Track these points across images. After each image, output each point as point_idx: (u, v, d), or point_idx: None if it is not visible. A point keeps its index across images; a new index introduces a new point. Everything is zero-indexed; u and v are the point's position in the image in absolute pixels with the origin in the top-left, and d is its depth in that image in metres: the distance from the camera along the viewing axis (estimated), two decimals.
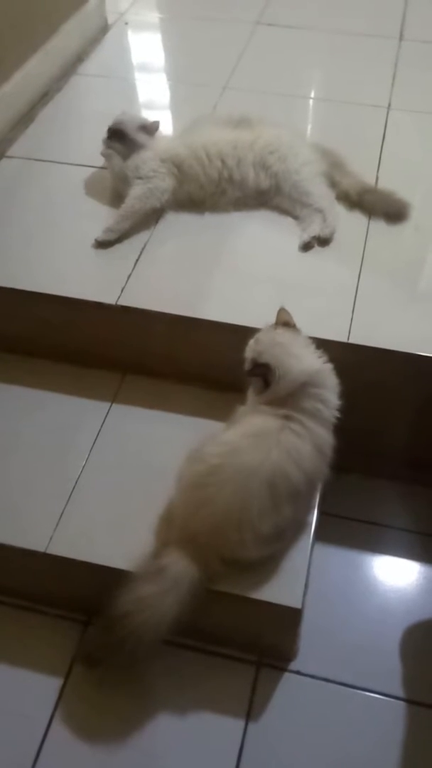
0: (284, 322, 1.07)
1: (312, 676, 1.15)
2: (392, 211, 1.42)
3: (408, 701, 1.12)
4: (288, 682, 1.14)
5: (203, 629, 1.10)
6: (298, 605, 1.03)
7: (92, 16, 2.07)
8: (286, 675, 1.15)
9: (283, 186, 1.41)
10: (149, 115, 1.48)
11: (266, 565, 1.06)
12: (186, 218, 1.44)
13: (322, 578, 1.22)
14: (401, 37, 2.04)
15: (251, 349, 1.04)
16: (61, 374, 1.35)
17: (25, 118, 1.75)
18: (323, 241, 1.37)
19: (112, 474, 1.20)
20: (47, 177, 1.56)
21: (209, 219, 1.43)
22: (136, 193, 1.38)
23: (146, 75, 1.96)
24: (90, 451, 1.23)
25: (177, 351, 1.31)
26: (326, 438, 1.02)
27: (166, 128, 1.57)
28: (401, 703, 1.12)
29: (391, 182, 1.48)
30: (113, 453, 1.23)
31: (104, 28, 2.14)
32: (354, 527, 1.34)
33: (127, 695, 1.11)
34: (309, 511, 1.12)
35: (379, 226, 1.42)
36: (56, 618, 1.19)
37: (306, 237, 1.36)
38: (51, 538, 1.11)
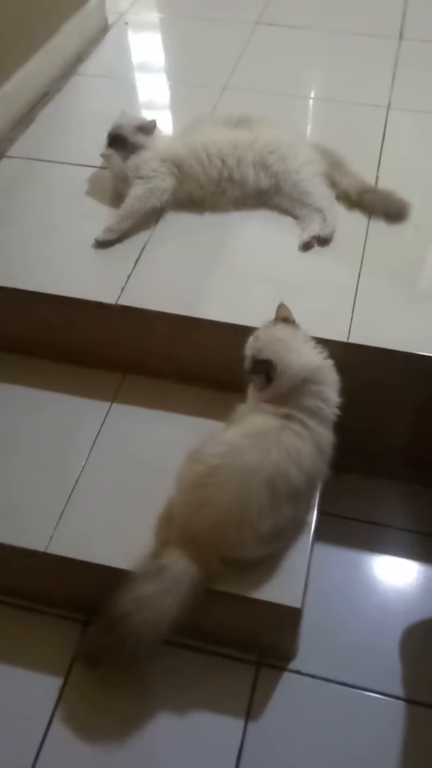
0: (284, 317, 1.06)
1: (312, 676, 1.15)
2: (392, 211, 1.42)
3: (408, 701, 1.12)
4: (288, 681, 1.14)
5: (203, 629, 1.10)
6: (298, 605, 1.03)
7: (92, 16, 2.07)
8: (286, 675, 1.15)
9: (283, 186, 1.41)
10: (149, 115, 1.48)
11: (266, 564, 1.06)
12: (186, 218, 1.44)
13: (322, 578, 1.22)
14: (401, 37, 2.04)
15: (251, 347, 1.04)
16: (61, 374, 1.35)
17: (26, 118, 1.75)
18: (323, 241, 1.37)
19: (112, 474, 1.20)
20: (47, 177, 1.56)
21: (209, 219, 1.43)
22: (136, 192, 1.38)
23: (146, 75, 1.96)
24: (90, 450, 1.23)
25: (177, 351, 1.31)
26: (327, 437, 1.02)
27: (167, 128, 1.57)
28: (401, 702, 1.12)
29: (391, 182, 1.48)
30: (113, 453, 1.23)
31: (104, 28, 2.14)
32: (354, 527, 1.34)
33: (127, 695, 1.11)
34: (309, 510, 1.12)
35: (378, 226, 1.42)
36: (56, 618, 1.19)
37: (306, 237, 1.36)
38: (51, 538, 1.11)
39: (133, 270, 1.33)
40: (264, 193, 1.43)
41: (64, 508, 1.15)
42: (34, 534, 1.11)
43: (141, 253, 1.36)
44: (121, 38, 2.13)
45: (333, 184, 1.45)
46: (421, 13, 2.15)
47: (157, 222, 1.43)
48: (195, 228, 1.42)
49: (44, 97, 1.83)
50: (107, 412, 1.29)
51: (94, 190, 1.51)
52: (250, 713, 1.10)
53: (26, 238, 1.41)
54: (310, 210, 1.40)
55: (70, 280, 1.31)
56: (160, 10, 2.30)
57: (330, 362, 1.04)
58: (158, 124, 1.44)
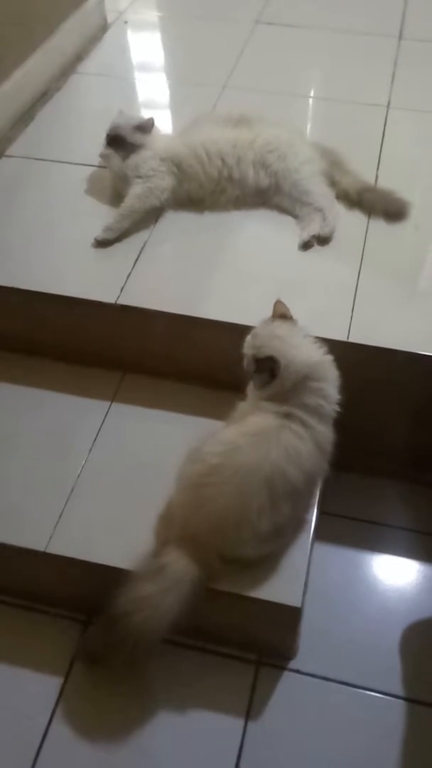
0: (281, 314, 1.06)
1: (312, 675, 1.15)
2: (392, 210, 1.42)
3: (408, 700, 1.12)
4: (288, 680, 1.14)
5: (203, 628, 1.10)
6: (298, 604, 1.03)
7: (92, 14, 2.07)
8: (286, 674, 1.15)
9: (282, 185, 1.41)
10: (149, 115, 1.48)
11: (266, 564, 1.06)
12: (185, 217, 1.44)
13: (322, 577, 1.22)
14: (401, 36, 2.04)
15: (249, 345, 1.04)
16: (60, 373, 1.35)
17: (25, 116, 1.75)
18: (323, 240, 1.37)
19: (112, 473, 1.20)
20: (47, 176, 1.56)
21: (209, 218, 1.43)
22: (135, 192, 1.38)
23: (146, 74, 1.96)
24: (90, 450, 1.23)
25: (176, 350, 1.31)
26: (327, 435, 1.02)
27: (166, 127, 1.57)
28: (401, 701, 1.12)
29: (391, 181, 1.48)
30: (113, 452, 1.23)
31: (104, 27, 2.13)
32: (354, 526, 1.34)
33: (127, 694, 1.11)
34: (308, 509, 1.12)
35: (378, 225, 1.41)
36: (56, 617, 1.19)
37: (306, 236, 1.36)
38: (51, 538, 1.11)
39: (132, 269, 1.33)
40: (264, 192, 1.43)
41: (64, 507, 1.15)
42: (33, 533, 1.11)
43: (140, 252, 1.36)
44: (121, 37, 2.13)
45: (333, 183, 1.45)
46: (421, 12, 2.15)
47: (156, 221, 1.43)
48: (194, 227, 1.42)
49: (43, 96, 1.83)
50: (107, 412, 1.29)
51: (93, 189, 1.50)
52: (250, 712, 1.10)
53: (25, 238, 1.40)
54: (310, 209, 1.39)
55: (70, 280, 1.31)
56: (159, 8, 2.30)
57: (330, 358, 1.04)
58: (156, 123, 1.44)
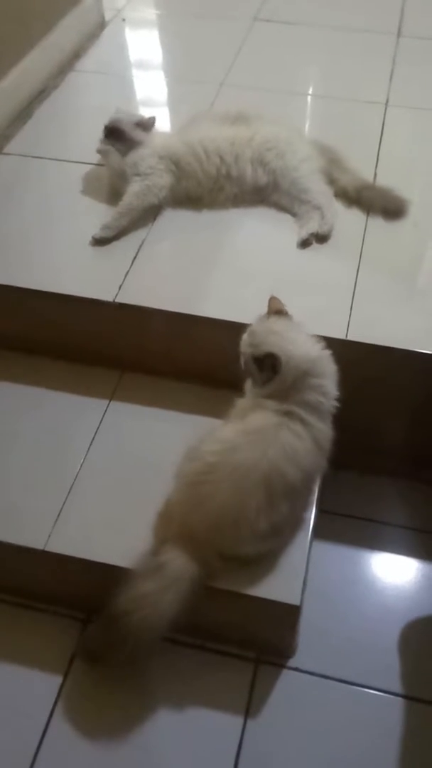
0: (276, 310, 1.06)
1: (310, 673, 1.15)
2: (391, 208, 1.42)
3: (406, 697, 1.12)
4: (287, 678, 1.14)
5: (202, 626, 1.10)
6: (297, 602, 1.03)
7: (89, 12, 2.06)
8: (285, 672, 1.15)
9: (281, 182, 1.41)
10: (147, 112, 1.48)
11: (265, 562, 1.06)
12: (184, 215, 1.43)
13: (321, 575, 1.22)
14: (399, 34, 2.04)
15: (246, 344, 1.03)
16: (59, 372, 1.35)
17: (23, 114, 1.74)
18: (321, 238, 1.37)
19: (111, 471, 1.20)
20: (44, 174, 1.55)
21: (207, 216, 1.43)
22: (133, 190, 1.38)
23: (143, 72, 1.95)
24: (88, 448, 1.23)
25: (175, 348, 1.31)
26: (326, 432, 1.02)
27: (164, 125, 1.57)
28: (400, 699, 1.12)
29: (390, 179, 1.48)
30: (111, 450, 1.23)
31: (101, 25, 2.13)
32: (352, 524, 1.34)
33: (127, 692, 1.11)
34: (307, 507, 1.12)
35: (377, 223, 1.41)
36: (55, 615, 1.19)
37: (304, 234, 1.36)
38: (49, 536, 1.11)
39: (130, 267, 1.32)
40: (262, 190, 1.43)
41: (63, 505, 1.15)
42: (32, 532, 1.11)
43: (138, 250, 1.36)
44: (118, 35, 2.12)
45: (331, 181, 1.45)
46: (420, 9, 2.15)
47: (154, 219, 1.42)
48: (193, 225, 1.41)
49: (41, 93, 1.82)
50: (105, 410, 1.29)
51: (91, 187, 1.50)
52: (249, 710, 1.10)
53: (23, 236, 1.40)
54: (309, 207, 1.39)
55: (68, 278, 1.30)
56: (157, 6, 2.29)
57: (328, 353, 1.03)
58: (157, 121, 1.44)
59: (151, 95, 1.85)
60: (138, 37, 2.13)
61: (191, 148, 1.40)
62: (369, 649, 1.17)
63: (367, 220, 1.42)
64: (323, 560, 1.25)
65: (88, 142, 1.48)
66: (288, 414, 0.99)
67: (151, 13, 2.25)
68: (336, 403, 1.03)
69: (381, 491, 1.39)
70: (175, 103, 1.83)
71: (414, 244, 1.38)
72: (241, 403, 1.07)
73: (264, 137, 1.42)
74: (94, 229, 1.36)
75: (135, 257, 1.35)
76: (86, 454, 1.22)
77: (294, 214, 1.42)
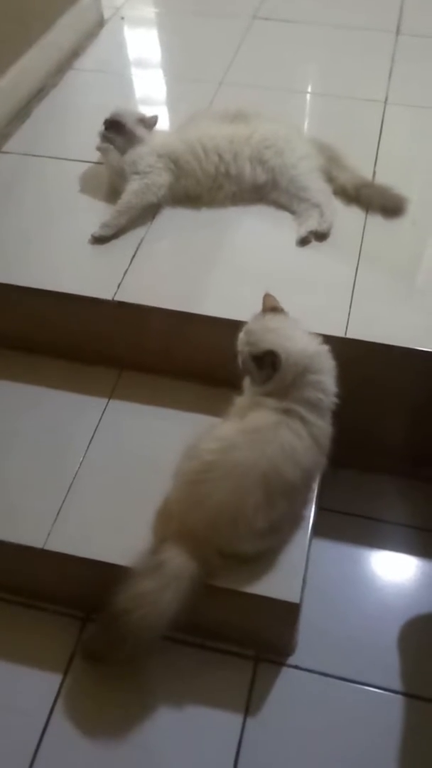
0: (272, 307, 1.05)
1: (310, 671, 1.15)
2: (389, 206, 1.42)
3: (406, 695, 1.12)
4: (286, 676, 1.14)
5: (202, 625, 1.10)
6: (296, 600, 1.03)
7: (88, 10, 2.06)
8: (285, 669, 1.15)
9: (280, 180, 1.40)
10: (146, 111, 1.48)
11: (264, 560, 1.06)
12: (183, 213, 1.43)
13: (320, 573, 1.22)
14: (398, 31, 2.04)
15: (243, 342, 1.03)
16: (57, 370, 1.35)
17: (21, 113, 1.74)
18: (320, 236, 1.37)
19: (110, 470, 1.20)
20: (43, 172, 1.55)
21: (206, 214, 1.43)
22: (132, 188, 1.38)
23: (142, 70, 1.95)
24: (87, 447, 1.23)
25: (174, 346, 1.31)
26: (325, 429, 1.02)
27: (163, 123, 1.56)
28: (399, 696, 1.12)
29: (389, 177, 1.48)
30: (111, 449, 1.23)
31: (100, 23, 2.13)
32: (352, 522, 1.34)
33: (126, 690, 1.11)
34: (306, 504, 1.12)
35: (376, 221, 1.41)
36: (54, 614, 1.19)
37: (303, 232, 1.36)
38: (49, 534, 1.11)
39: (129, 266, 1.32)
40: (261, 188, 1.43)
41: (62, 504, 1.15)
42: (31, 530, 1.11)
43: (137, 248, 1.36)
44: (117, 33, 2.12)
45: (330, 179, 1.45)
46: (419, 7, 2.15)
47: (153, 218, 1.42)
48: (192, 223, 1.41)
49: (40, 92, 1.82)
50: (104, 409, 1.29)
51: (90, 185, 1.50)
52: (248, 708, 1.10)
53: (22, 234, 1.40)
54: (308, 205, 1.39)
55: (67, 276, 1.30)
56: (156, 4, 2.29)
57: (326, 348, 1.03)
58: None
59: (150, 94, 1.85)
60: (137, 35, 2.12)
61: (190, 147, 1.40)
62: (368, 646, 1.17)
63: (366, 218, 1.42)
64: (323, 558, 1.25)
65: (87, 140, 1.47)
66: (287, 412, 0.99)
67: (149, 11, 2.25)
68: (335, 400, 1.02)
69: (380, 489, 1.39)
70: (174, 101, 1.82)
71: (413, 242, 1.38)
72: (240, 401, 1.07)
73: (263, 135, 1.42)
74: (93, 228, 1.36)
75: (134, 256, 1.34)
76: (85, 453, 1.22)
77: (293, 212, 1.41)
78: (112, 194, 1.43)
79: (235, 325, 1.07)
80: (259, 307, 1.08)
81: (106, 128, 1.41)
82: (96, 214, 1.40)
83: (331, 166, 1.46)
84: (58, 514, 1.13)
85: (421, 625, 1.21)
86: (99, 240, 1.36)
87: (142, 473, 1.18)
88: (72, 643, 1.16)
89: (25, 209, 1.46)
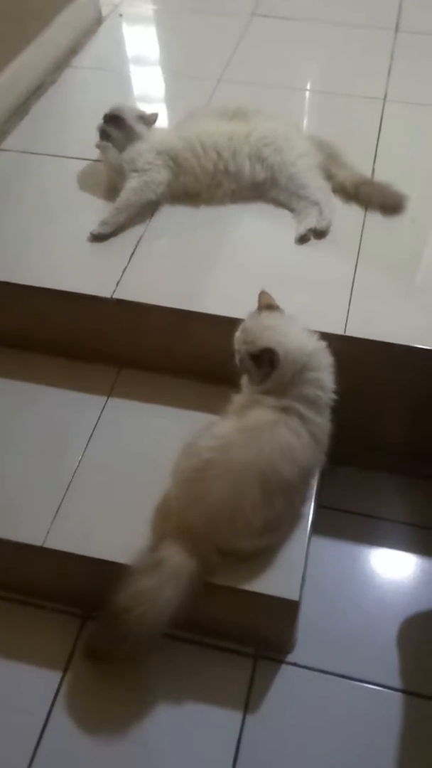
0: (267, 305, 1.05)
1: (309, 668, 1.15)
2: (389, 203, 1.42)
3: (405, 692, 1.13)
4: (286, 673, 1.14)
5: (201, 622, 1.10)
6: (296, 597, 1.03)
7: (86, 7, 2.06)
8: (284, 667, 1.15)
9: (279, 178, 1.40)
10: (145, 108, 1.47)
11: (264, 557, 1.06)
12: (182, 211, 1.43)
13: (320, 570, 1.22)
14: (397, 29, 2.03)
15: (240, 341, 1.02)
16: (57, 368, 1.35)
17: (20, 110, 1.74)
18: (319, 234, 1.37)
19: (109, 468, 1.20)
20: (42, 170, 1.55)
21: (205, 212, 1.43)
22: (131, 185, 1.37)
23: (141, 67, 1.95)
24: (87, 445, 1.23)
25: (173, 344, 1.31)
26: (324, 426, 1.02)
27: (162, 121, 1.56)
28: (398, 694, 1.12)
29: (388, 174, 1.48)
30: (110, 447, 1.23)
31: (98, 20, 2.12)
32: (351, 520, 1.34)
33: (126, 688, 1.11)
34: (305, 502, 1.12)
35: (375, 219, 1.41)
36: (54, 612, 1.19)
37: (302, 229, 1.36)
38: (48, 532, 1.11)
39: (128, 263, 1.32)
40: (260, 186, 1.42)
41: (61, 502, 1.15)
42: (31, 528, 1.11)
43: (136, 246, 1.36)
44: (116, 30, 2.11)
45: (329, 176, 1.45)
46: (418, 4, 2.14)
47: (152, 215, 1.42)
48: (191, 221, 1.41)
49: (38, 89, 1.82)
50: (103, 407, 1.29)
51: (88, 183, 1.50)
52: (248, 705, 1.10)
53: (21, 232, 1.40)
54: (307, 203, 1.39)
55: (65, 274, 1.30)
56: (154, 1, 2.28)
57: (323, 344, 1.03)
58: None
59: (148, 91, 1.85)
60: (135, 32, 2.12)
61: (189, 144, 1.39)
62: (368, 644, 1.17)
63: (365, 216, 1.42)
64: (322, 556, 1.25)
65: (86, 138, 1.47)
66: (286, 410, 0.99)
67: (148, 8, 2.24)
68: (334, 396, 1.02)
69: (380, 487, 1.39)
70: (172, 98, 1.82)
71: (412, 239, 1.38)
72: (238, 398, 1.07)
73: (262, 133, 1.42)
74: (92, 226, 1.36)
75: (133, 253, 1.34)
76: (84, 451, 1.22)
77: (292, 210, 1.41)
78: (111, 192, 1.43)
79: (233, 323, 1.07)
80: (257, 303, 1.08)
81: (105, 122, 1.41)
82: (95, 211, 1.40)
83: (330, 163, 1.45)
84: (57, 511, 1.13)
85: (420, 622, 1.21)
86: (98, 238, 1.36)
87: (142, 471, 1.18)
88: (71, 641, 1.16)
89: (23, 207, 1.45)
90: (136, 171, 1.38)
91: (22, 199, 1.47)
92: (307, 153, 1.43)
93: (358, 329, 1.20)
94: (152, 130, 1.43)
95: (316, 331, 1.04)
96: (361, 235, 1.37)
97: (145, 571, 0.98)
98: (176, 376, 1.31)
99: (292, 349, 0.98)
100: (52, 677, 1.12)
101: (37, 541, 1.10)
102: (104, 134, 1.41)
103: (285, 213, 1.42)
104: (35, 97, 1.78)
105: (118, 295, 1.26)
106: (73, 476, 1.18)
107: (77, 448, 1.22)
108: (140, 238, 1.37)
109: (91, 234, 1.36)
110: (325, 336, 1.06)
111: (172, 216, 1.42)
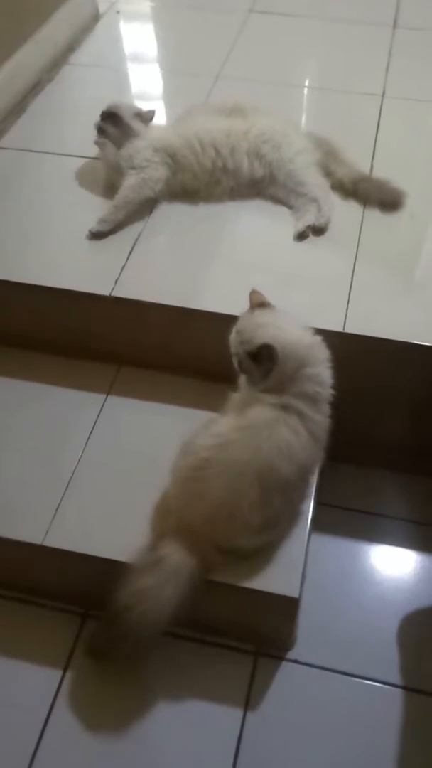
0: (259, 303, 1.04)
1: (310, 665, 1.15)
2: (387, 200, 1.42)
3: (405, 689, 1.13)
4: (286, 671, 1.14)
5: (202, 620, 1.10)
6: (296, 594, 1.03)
7: (83, 5, 2.05)
8: (284, 664, 1.15)
9: (277, 175, 1.40)
10: (142, 105, 1.47)
11: (263, 555, 1.06)
12: (180, 208, 1.43)
13: (320, 568, 1.22)
14: (395, 25, 2.03)
15: (236, 342, 1.02)
16: (55, 367, 1.34)
17: (17, 108, 1.73)
18: (318, 231, 1.37)
19: (109, 466, 1.20)
20: (40, 168, 1.54)
21: (203, 209, 1.43)
22: (129, 183, 1.37)
23: (138, 64, 1.94)
24: (86, 443, 1.23)
25: (172, 342, 1.30)
26: (323, 422, 1.01)
27: (160, 118, 1.56)
28: (399, 690, 1.13)
29: (386, 171, 1.48)
30: (109, 445, 1.23)
31: (95, 17, 2.11)
32: (351, 517, 1.34)
33: (127, 686, 1.11)
34: (303, 499, 1.11)
35: (374, 215, 1.41)
36: (53, 610, 1.19)
37: (301, 226, 1.35)
38: (47, 531, 1.11)
39: (126, 261, 1.32)
40: (258, 183, 1.42)
41: (61, 500, 1.15)
42: (30, 527, 1.11)
43: (135, 244, 1.36)
44: (113, 27, 2.11)
45: (328, 173, 1.45)
46: (416, 0, 2.13)
47: (150, 213, 1.42)
48: (189, 218, 1.41)
49: (35, 87, 1.81)
50: (102, 405, 1.29)
51: (87, 180, 1.49)
52: (248, 703, 1.11)
53: (19, 230, 1.39)
54: (305, 199, 1.39)
55: (64, 272, 1.30)
56: None
57: (319, 338, 1.02)
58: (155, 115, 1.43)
59: (146, 88, 1.84)
60: (132, 29, 2.11)
61: (187, 141, 1.39)
62: (368, 640, 1.18)
63: (363, 213, 1.41)
64: (322, 553, 1.26)
65: (84, 135, 1.47)
66: (285, 408, 0.98)
67: (145, 5, 2.24)
68: (332, 392, 1.02)
69: (379, 484, 1.39)
70: (170, 95, 1.82)
71: (411, 236, 1.38)
72: (236, 396, 1.06)
73: (260, 130, 1.41)
74: (90, 223, 1.36)
75: (131, 251, 1.34)
76: (84, 449, 1.22)
77: (290, 207, 1.41)
78: (109, 189, 1.43)
79: (232, 320, 1.07)
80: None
81: (103, 120, 1.40)
82: (93, 209, 1.39)
83: (329, 160, 1.45)
84: (56, 510, 1.13)
85: (420, 618, 1.21)
86: (96, 235, 1.36)
87: (141, 469, 1.18)
88: (72, 639, 1.16)
89: (21, 205, 1.45)
90: (133, 168, 1.38)
91: (20, 198, 1.47)
92: (306, 150, 1.43)
93: (357, 326, 1.19)
94: (150, 127, 1.43)
95: (312, 327, 1.04)
96: (360, 232, 1.37)
97: (145, 570, 0.98)
98: (175, 373, 1.31)
99: (289, 343, 0.98)
100: (53, 675, 1.13)
101: (36, 539, 1.10)
102: (101, 131, 1.41)
103: (283, 210, 1.42)
104: (33, 95, 1.78)
105: (116, 293, 1.26)
106: (72, 474, 1.18)
107: (77, 446, 1.22)
108: (139, 236, 1.37)
109: (90, 232, 1.35)
110: (323, 333, 1.06)
111: (170, 213, 1.42)
